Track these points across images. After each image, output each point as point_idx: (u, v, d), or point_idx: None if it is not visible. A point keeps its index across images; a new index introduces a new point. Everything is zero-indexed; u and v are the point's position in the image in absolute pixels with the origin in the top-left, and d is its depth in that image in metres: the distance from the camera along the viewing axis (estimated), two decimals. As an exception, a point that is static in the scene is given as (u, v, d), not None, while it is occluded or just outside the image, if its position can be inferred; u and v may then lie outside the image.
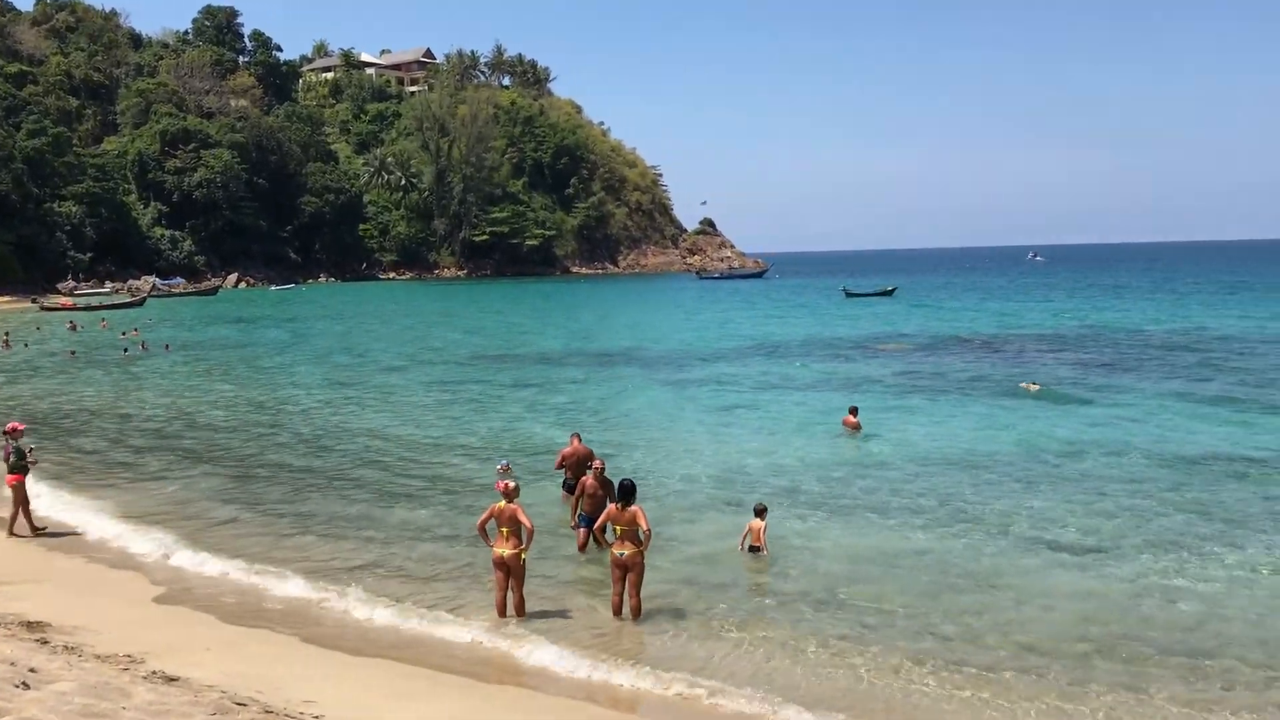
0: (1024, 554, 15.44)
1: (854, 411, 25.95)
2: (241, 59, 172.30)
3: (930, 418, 27.78)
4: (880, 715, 10.40)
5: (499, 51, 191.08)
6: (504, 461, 18.62)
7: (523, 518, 13.05)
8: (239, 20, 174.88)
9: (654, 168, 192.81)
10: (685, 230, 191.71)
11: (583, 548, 15.71)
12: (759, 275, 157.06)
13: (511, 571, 13.12)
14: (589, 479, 15.61)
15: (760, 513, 15.93)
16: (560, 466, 18.36)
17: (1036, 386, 32.35)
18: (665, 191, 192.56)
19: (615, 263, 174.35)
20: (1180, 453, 22.28)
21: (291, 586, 14.46)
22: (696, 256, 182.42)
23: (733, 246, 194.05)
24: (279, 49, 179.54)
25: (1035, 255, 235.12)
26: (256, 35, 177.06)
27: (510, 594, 13.22)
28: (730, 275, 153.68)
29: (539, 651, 11.99)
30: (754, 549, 15.67)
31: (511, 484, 13.41)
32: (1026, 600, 13.54)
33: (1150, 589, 13.78)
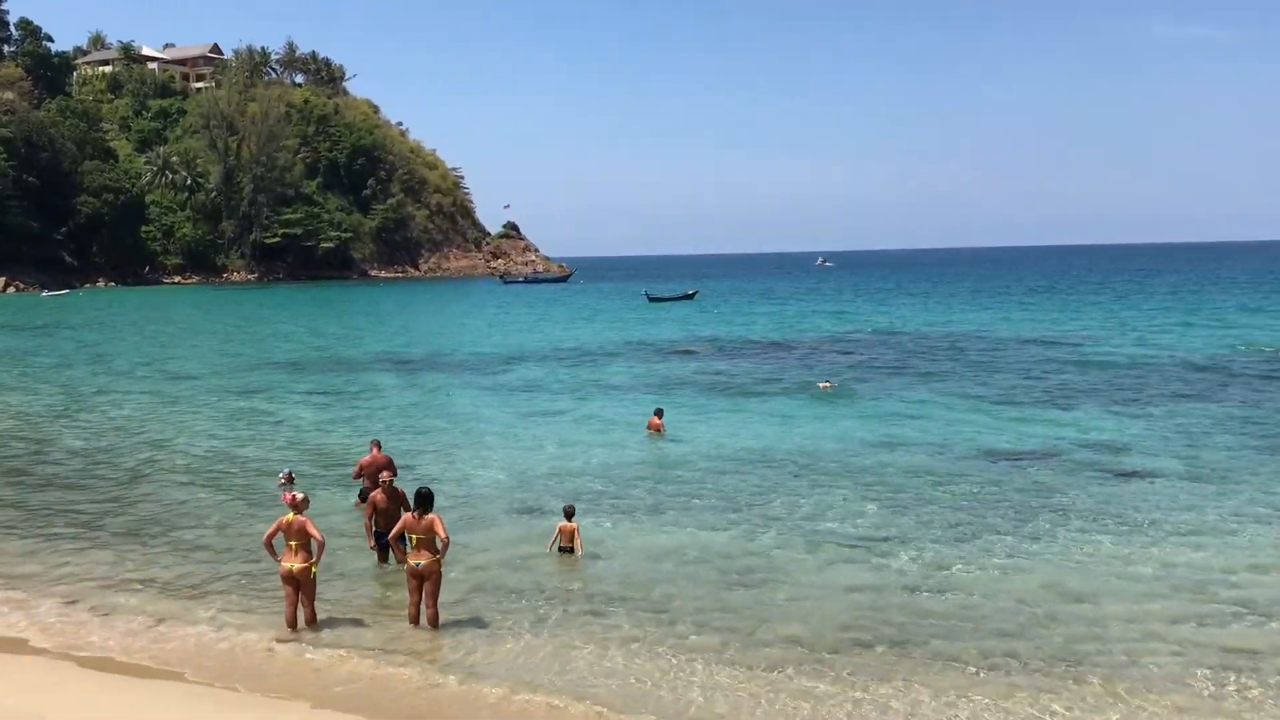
0: (811, 549, 15.91)
1: (659, 414, 26.29)
2: (7, 49, 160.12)
3: (731, 418, 28.44)
4: (671, 713, 10.45)
5: (291, 48, 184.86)
6: (286, 469, 17.86)
7: (312, 530, 12.55)
8: (4, 7, 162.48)
9: (455, 169, 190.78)
10: (489, 234, 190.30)
11: (382, 561, 15.20)
12: (563, 280, 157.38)
13: (301, 586, 12.60)
14: (379, 494, 14.89)
15: (569, 514, 15.90)
16: (359, 476, 17.76)
17: (830, 385, 33.76)
18: (467, 194, 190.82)
19: (416, 266, 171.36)
20: (959, 449, 23.51)
21: (49, 608, 13.51)
22: (500, 260, 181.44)
23: (537, 251, 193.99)
24: (50, 39, 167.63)
25: (824, 260, 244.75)
26: (24, 24, 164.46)
27: (301, 608, 12.70)
28: (534, 280, 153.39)
29: (326, 666, 11.55)
30: (565, 550, 15.64)
31: (299, 495, 12.88)
32: (808, 594, 13.89)
33: (924, 580, 14.38)
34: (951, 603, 13.48)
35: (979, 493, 19.27)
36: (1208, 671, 11.09)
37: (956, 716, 10.22)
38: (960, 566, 14.92)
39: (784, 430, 26.34)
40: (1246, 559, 14.99)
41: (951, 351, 44.92)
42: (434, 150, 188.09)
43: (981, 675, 11.18)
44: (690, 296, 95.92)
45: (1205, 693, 10.63)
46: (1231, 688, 10.71)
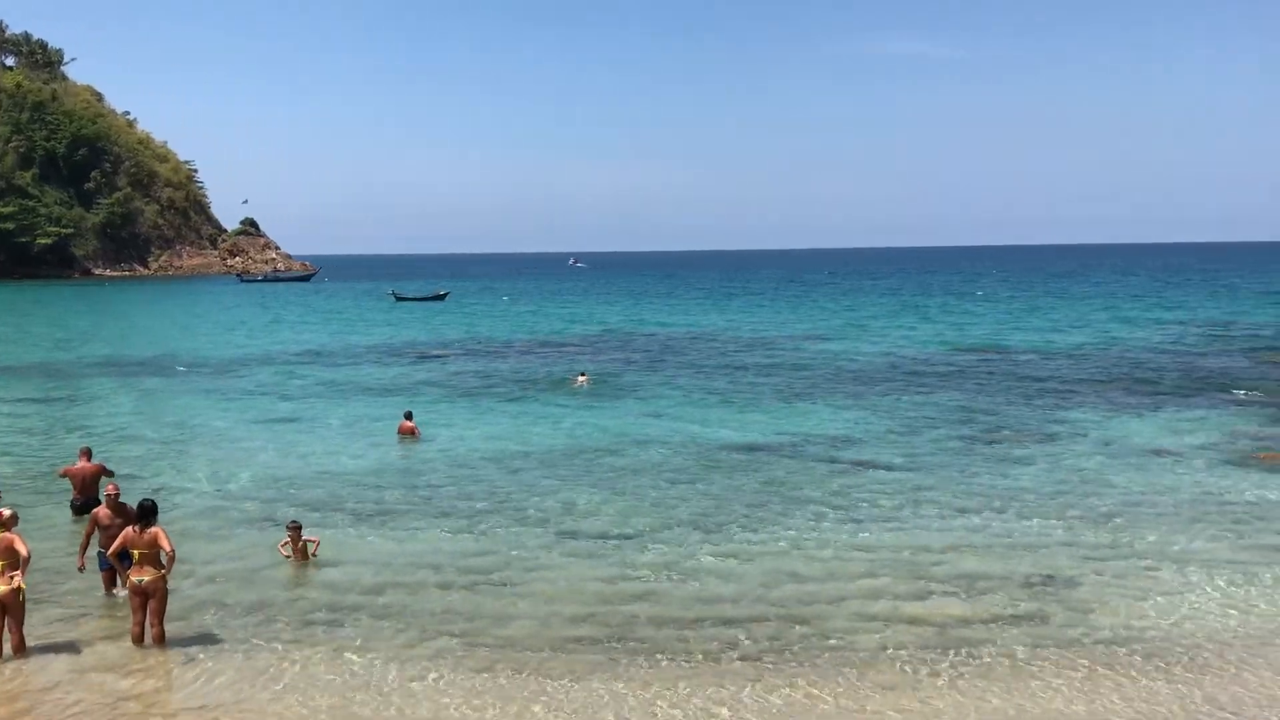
0: (552, 548, 16.07)
1: (409, 416, 25.90)
2: None
3: (482, 419, 28.35)
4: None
5: (0, 28, 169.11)
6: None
7: (20, 546, 11.61)
8: None
9: (189, 163, 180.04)
10: (225, 231, 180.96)
11: (110, 589, 14.03)
12: (307, 279, 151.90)
13: (9, 609, 11.63)
14: (102, 510, 13.70)
15: (295, 528, 15.40)
16: (78, 492, 16.47)
17: (585, 378, 34.69)
18: (202, 189, 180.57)
19: (145, 264, 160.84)
20: (701, 444, 24.35)
21: None
22: (238, 258, 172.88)
23: (278, 248, 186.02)
24: None
25: (576, 261, 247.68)
26: None
27: (8, 633, 11.72)
28: (275, 278, 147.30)
29: (42, 692, 10.72)
30: (301, 556, 15.16)
31: (6, 512, 11.89)
32: (545, 593, 13.96)
33: (663, 574, 14.76)
34: (687, 594, 13.89)
35: (719, 486, 20.01)
36: (920, 649, 11.90)
37: (688, 704, 10.57)
38: (698, 559, 15.42)
39: (534, 430, 26.49)
40: (954, 540, 16.22)
41: (695, 350, 46.43)
42: (165, 142, 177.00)
43: (713, 663, 11.57)
44: (440, 297, 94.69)
45: (917, 670, 11.39)
46: (940, 663, 11.52)
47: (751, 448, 23.83)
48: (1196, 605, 13.12)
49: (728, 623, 12.84)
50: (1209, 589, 13.70)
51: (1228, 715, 10.07)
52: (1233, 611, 12.90)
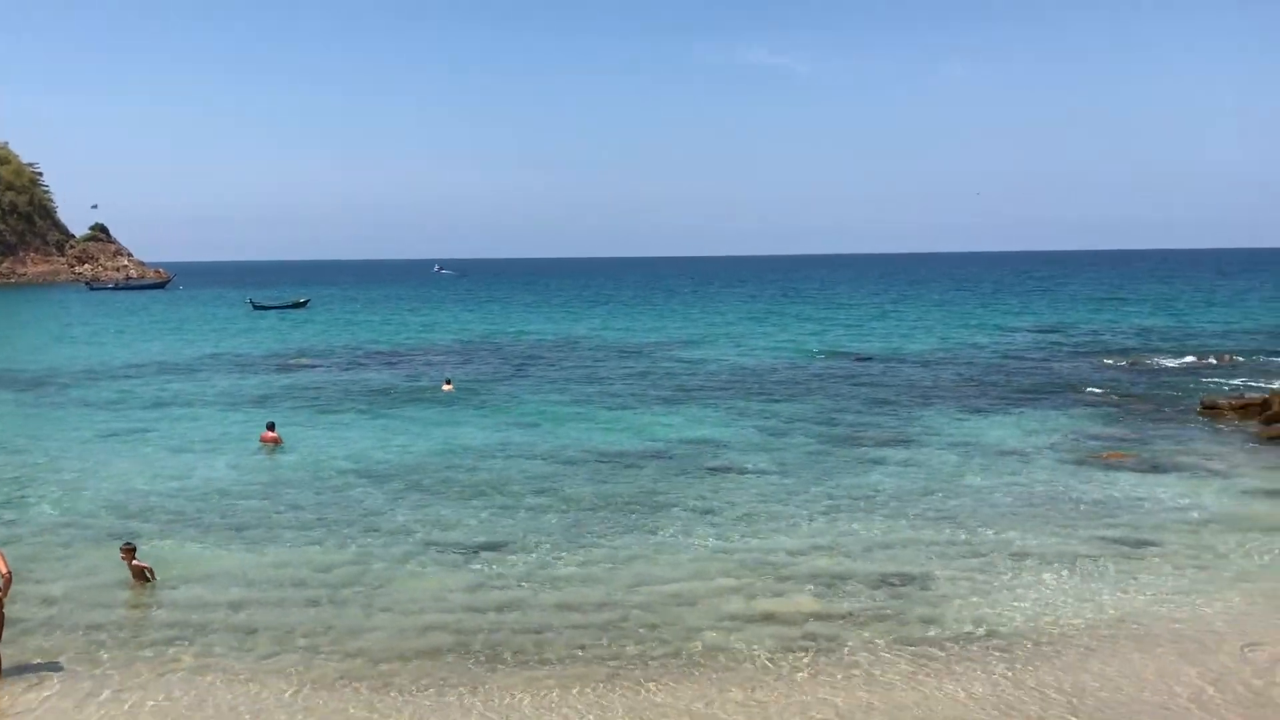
0: (413, 559, 15.82)
1: (271, 427, 25.32)
2: None
3: (347, 429, 27.72)
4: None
5: None
6: None
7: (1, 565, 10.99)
8: None
9: (33, 165, 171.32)
10: (74, 236, 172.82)
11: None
12: (161, 286, 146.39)
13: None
14: None
15: (129, 550, 14.74)
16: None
17: (450, 386, 34.59)
18: (47, 193, 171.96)
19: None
20: (571, 451, 24.31)
21: None
22: (87, 265, 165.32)
23: (130, 255, 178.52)
24: None
25: (440, 268, 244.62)
26: None
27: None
28: (127, 286, 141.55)
29: None
30: (140, 578, 14.54)
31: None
32: (403, 606, 13.77)
33: (527, 583, 14.69)
34: (549, 602, 13.85)
35: (585, 493, 19.99)
36: (780, 647, 12.12)
37: (547, 712, 10.53)
38: (562, 566, 15.39)
39: (398, 439, 26.02)
40: (814, 541, 16.58)
41: (562, 357, 46.34)
42: (5, 143, 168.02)
43: (573, 670, 11.56)
44: (300, 305, 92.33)
45: (778, 666, 11.59)
46: (800, 660, 11.75)
47: (619, 454, 23.90)
48: (1044, 599, 13.69)
49: (590, 629, 12.84)
50: (1056, 583, 14.32)
51: (1071, 701, 10.52)
52: (1078, 604, 13.48)
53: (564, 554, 15.99)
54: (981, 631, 12.51)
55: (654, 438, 26.00)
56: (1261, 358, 41.87)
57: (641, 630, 12.75)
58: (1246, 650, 11.64)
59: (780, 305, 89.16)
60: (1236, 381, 34.49)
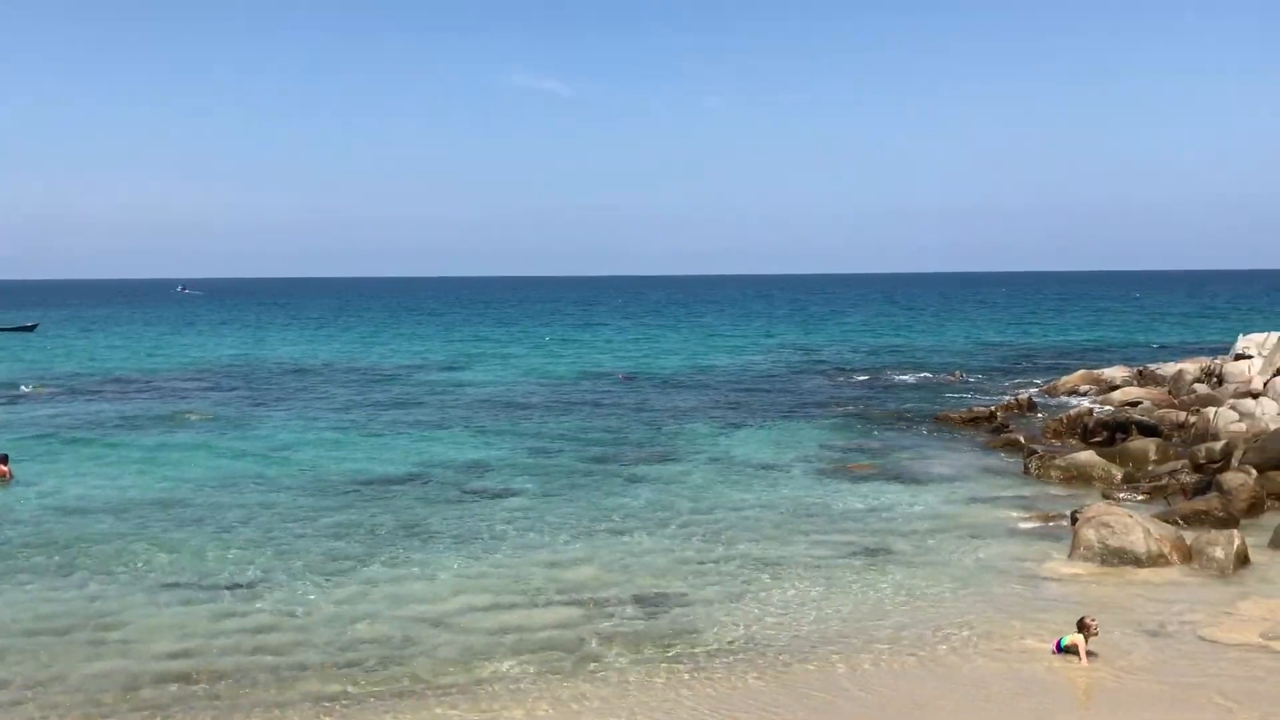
0: (162, 596, 15.04)
1: (4, 460, 23.39)
2: None
3: (85, 461, 25.82)
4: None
5: None
6: None
7: None
8: None
9: None
10: None
11: None
12: None
13: None
14: None
15: None
16: None
17: (199, 414, 32.85)
18: None
19: None
20: (327, 478, 23.62)
21: None
22: None
23: None
24: None
25: (184, 289, 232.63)
26: None
27: None
28: None
29: None
30: None
31: None
32: (138, 643, 13.17)
33: (282, 612, 14.28)
34: (302, 634, 13.44)
35: (343, 522, 19.42)
36: (540, 669, 12.20)
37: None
38: (318, 598, 14.92)
39: (141, 471, 24.50)
40: (575, 560, 16.78)
41: (318, 381, 44.97)
42: None
43: (315, 703, 11.29)
44: (29, 328, 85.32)
45: (537, 685, 11.65)
46: (554, 678, 11.87)
47: (379, 480, 23.42)
48: (793, 607, 14.30)
49: (344, 659, 12.56)
50: (804, 592, 15.01)
51: (821, 704, 11.12)
52: (822, 610, 14.19)
53: (316, 584, 15.50)
54: (736, 641, 12.93)
55: (414, 462, 25.62)
56: (987, 375, 45.66)
57: (397, 658, 12.54)
58: (969, 640, 12.67)
59: (534, 328, 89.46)
60: (966, 395, 37.51)
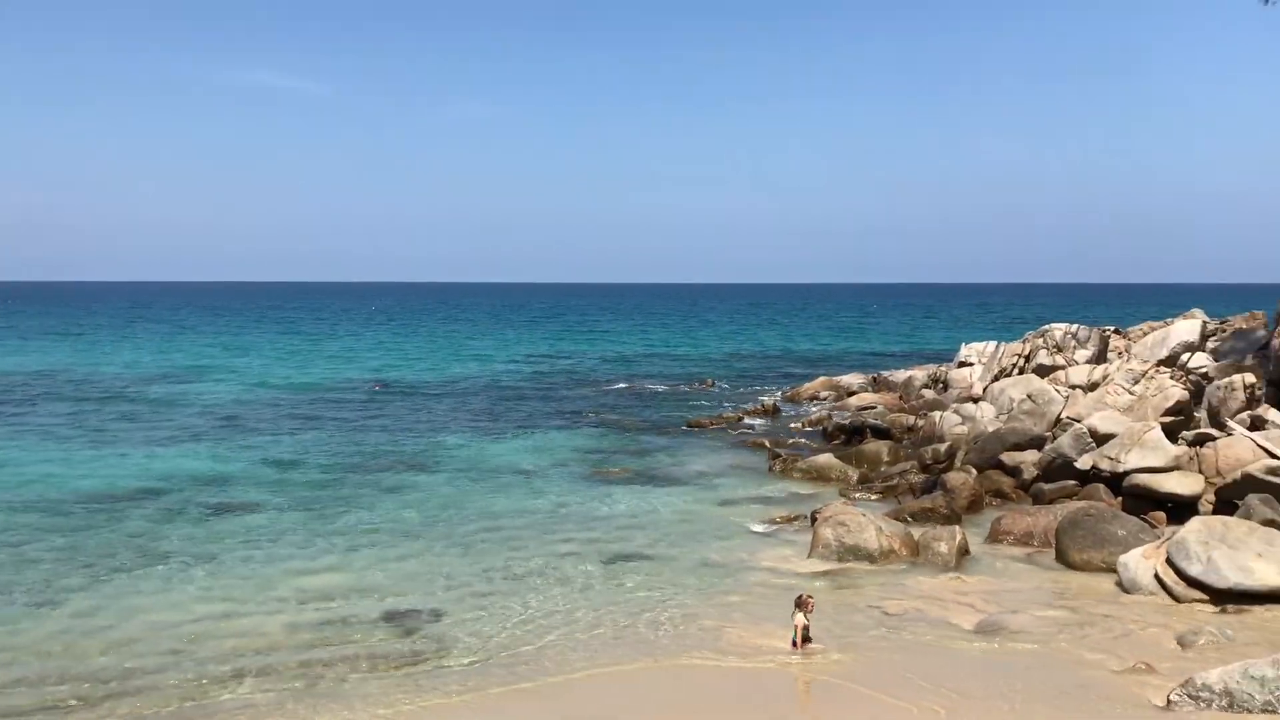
0: None
1: None
2: None
3: None
4: None
5: None
6: None
7: None
8: None
9: None
10: None
11: None
12: None
13: None
14: None
15: None
16: None
17: None
18: None
19: None
20: (51, 497, 21.73)
21: None
22: None
23: None
24: None
25: None
26: None
27: None
28: None
29: None
30: None
31: None
32: None
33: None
34: (15, 667, 12.30)
35: (66, 542, 17.88)
36: (280, 688, 11.57)
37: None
38: (26, 625, 13.67)
39: None
40: (320, 574, 16.10)
41: (42, 392, 41.50)
42: None
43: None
44: None
45: (282, 704, 11.09)
46: (287, 696, 11.32)
47: (109, 497, 21.73)
48: (541, 618, 14.15)
49: (55, 697, 11.53)
50: (557, 600, 14.91)
51: (558, 708, 11.05)
52: (572, 618, 14.14)
53: (31, 610, 14.21)
54: (483, 654, 12.65)
55: (148, 478, 23.93)
56: (737, 382, 47.32)
57: (121, 686, 11.62)
58: (709, 641, 12.93)
59: (278, 337, 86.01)
60: (716, 402, 38.69)
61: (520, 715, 10.86)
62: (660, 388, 44.38)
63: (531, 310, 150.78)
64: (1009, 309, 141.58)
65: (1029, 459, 22.35)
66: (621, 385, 45.23)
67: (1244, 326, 27.85)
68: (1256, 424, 20.35)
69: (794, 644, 11.99)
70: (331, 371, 51.67)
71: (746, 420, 32.93)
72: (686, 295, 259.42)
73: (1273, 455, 18.36)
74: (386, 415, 34.90)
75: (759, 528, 19.41)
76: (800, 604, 12.17)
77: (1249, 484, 17.39)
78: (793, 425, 32.41)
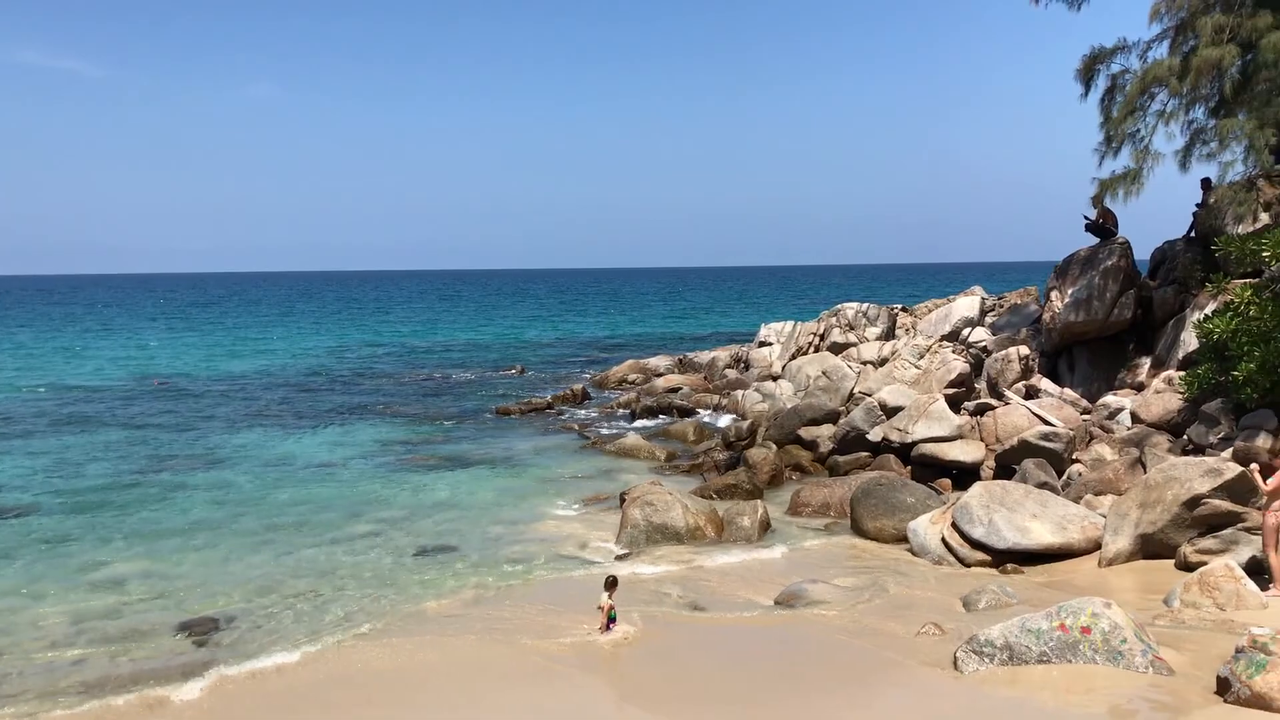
0: None
1: None
2: None
3: None
4: None
5: None
6: None
7: None
8: None
9: None
10: None
11: None
12: None
13: None
14: None
15: None
16: None
17: None
18: None
19: None
20: None
21: None
22: None
23: None
24: None
25: None
26: None
27: None
28: None
29: None
30: None
31: None
32: None
33: None
34: None
35: None
36: (68, 709, 10.95)
37: None
38: None
39: None
40: (106, 584, 15.17)
41: None
42: None
43: None
44: None
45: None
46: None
47: None
48: (346, 617, 13.73)
49: None
50: (361, 597, 14.52)
51: (348, 706, 10.75)
52: (376, 616, 13.80)
53: None
54: (284, 658, 12.22)
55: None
56: (546, 367, 47.24)
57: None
58: (520, 629, 12.84)
59: (62, 331, 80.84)
60: (525, 388, 38.52)
61: (317, 710, 10.46)
62: (468, 375, 43.84)
63: (324, 298, 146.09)
64: (812, 290, 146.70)
65: (825, 433, 23.19)
66: (427, 374, 44.46)
67: (1018, 302, 29.72)
68: (1031, 393, 21.75)
69: (601, 626, 12.01)
70: (108, 369, 48.62)
71: (556, 406, 32.91)
72: (480, 281, 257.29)
73: (1046, 422, 19.66)
74: (173, 413, 33.15)
75: (569, 510, 19.46)
76: (608, 585, 12.21)
77: (1025, 449, 18.55)
78: (602, 408, 32.60)
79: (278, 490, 21.44)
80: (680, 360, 40.00)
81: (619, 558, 16.11)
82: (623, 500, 18.46)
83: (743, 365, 35.08)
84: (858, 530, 17.17)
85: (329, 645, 12.36)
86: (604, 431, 28.00)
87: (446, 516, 19.07)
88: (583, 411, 32.46)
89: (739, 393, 30.02)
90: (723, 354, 37.85)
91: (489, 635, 12.41)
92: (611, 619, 12.01)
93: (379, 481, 22.24)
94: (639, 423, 29.73)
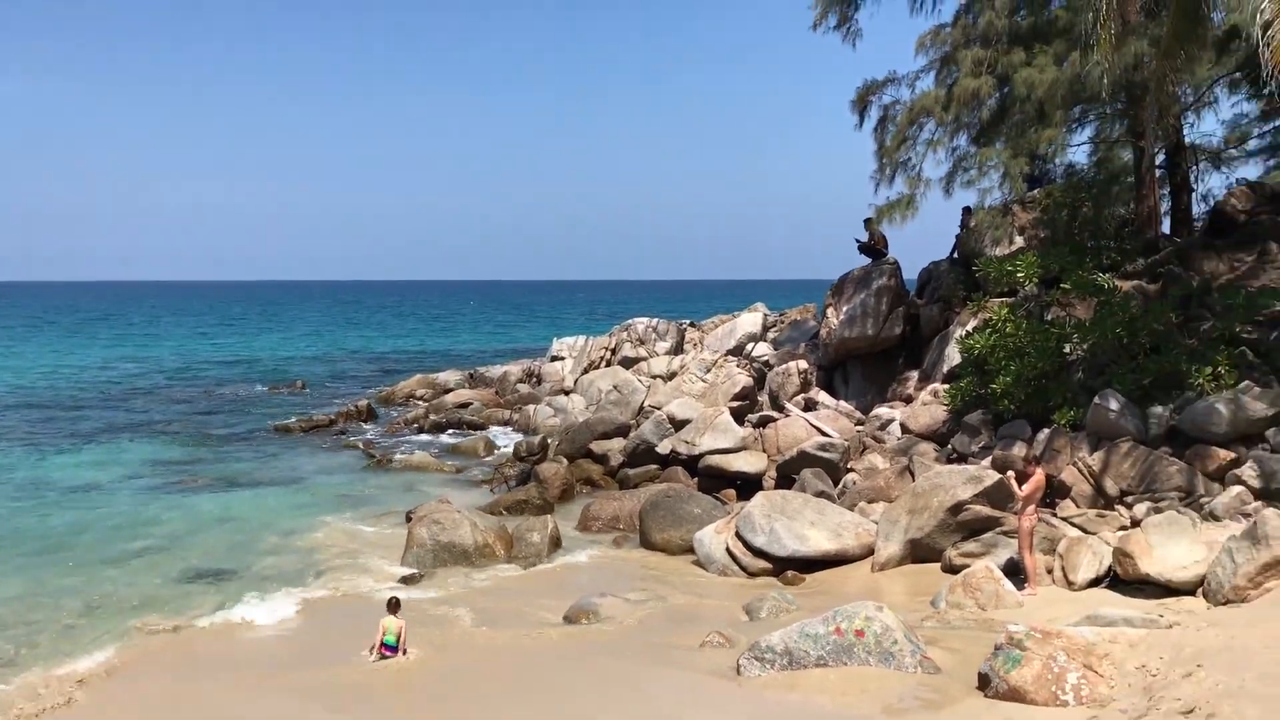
0: None
1: None
2: None
3: None
4: None
5: None
6: None
7: None
8: None
9: None
10: None
11: None
12: None
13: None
14: None
15: None
16: None
17: None
18: None
19: None
20: None
21: None
22: None
23: None
24: None
25: None
26: None
27: None
28: None
29: None
30: None
31: None
32: None
33: None
34: None
35: None
36: None
37: None
38: None
39: None
40: None
41: None
42: None
43: None
44: None
45: None
46: None
47: None
48: (109, 644, 12.91)
49: None
50: (123, 629, 13.54)
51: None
52: (150, 654, 13.00)
53: None
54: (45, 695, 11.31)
55: None
56: (328, 383, 45.67)
57: None
58: (285, 662, 12.30)
59: None
60: (307, 405, 37.12)
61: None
62: (243, 392, 41.85)
63: (74, 311, 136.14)
64: (601, 305, 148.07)
65: (615, 446, 23.36)
66: (200, 390, 42.20)
67: (798, 318, 30.89)
68: (809, 405, 22.58)
69: (384, 650, 11.60)
70: None
71: (340, 423, 31.84)
72: (252, 293, 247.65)
73: (823, 433, 20.45)
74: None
75: (350, 528, 18.81)
76: (390, 607, 11.83)
77: (804, 460, 19.21)
78: (389, 425, 31.79)
79: (37, 515, 19.92)
80: (471, 375, 39.49)
81: (404, 579, 15.64)
82: (409, 519, 18.00)
83: (535, 380, 34.97)
84: (647, 543, 17.32)
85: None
86: (391, 449, 27.28)
87: (220, 538, 18.12)
88: (369, 428, 31.57)
89: (531, 407, 29.91)
90: (514, 369, 37.61)
91: (248, 672, 11.79)
92: (390, 644, 11.60)
93: (148, 503, 20.93)
94: (427, 438, 29.15)
